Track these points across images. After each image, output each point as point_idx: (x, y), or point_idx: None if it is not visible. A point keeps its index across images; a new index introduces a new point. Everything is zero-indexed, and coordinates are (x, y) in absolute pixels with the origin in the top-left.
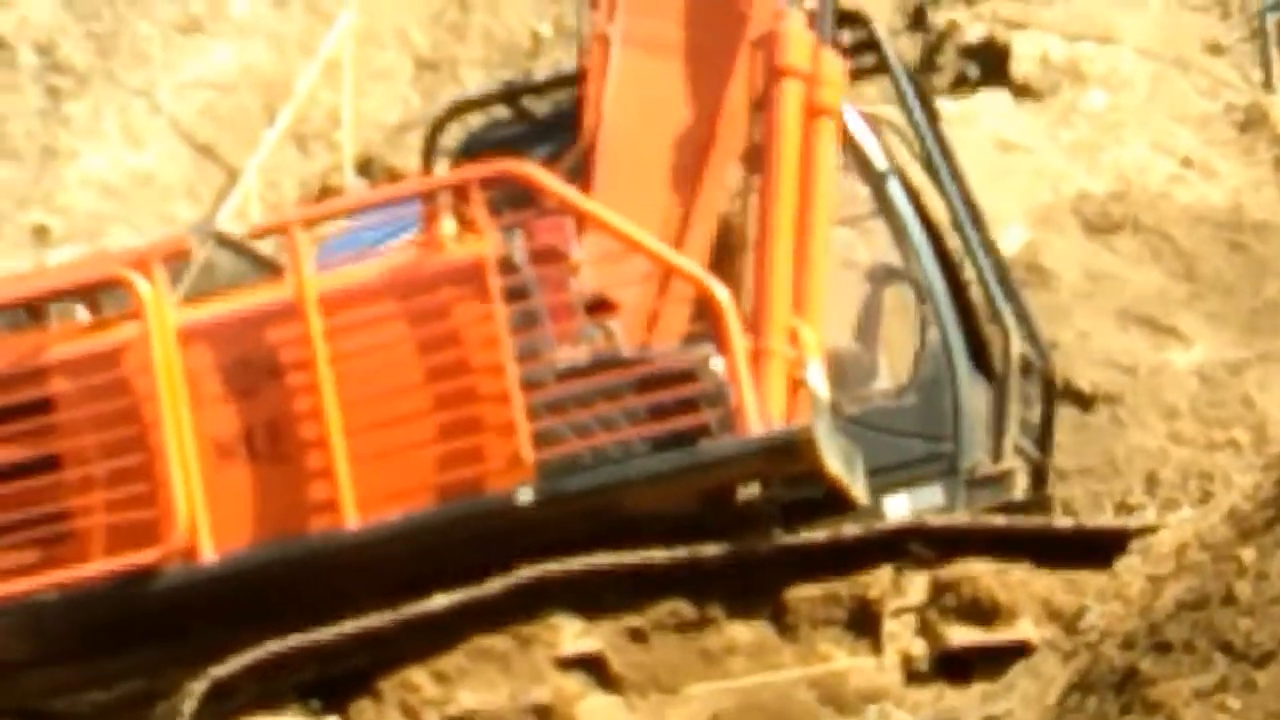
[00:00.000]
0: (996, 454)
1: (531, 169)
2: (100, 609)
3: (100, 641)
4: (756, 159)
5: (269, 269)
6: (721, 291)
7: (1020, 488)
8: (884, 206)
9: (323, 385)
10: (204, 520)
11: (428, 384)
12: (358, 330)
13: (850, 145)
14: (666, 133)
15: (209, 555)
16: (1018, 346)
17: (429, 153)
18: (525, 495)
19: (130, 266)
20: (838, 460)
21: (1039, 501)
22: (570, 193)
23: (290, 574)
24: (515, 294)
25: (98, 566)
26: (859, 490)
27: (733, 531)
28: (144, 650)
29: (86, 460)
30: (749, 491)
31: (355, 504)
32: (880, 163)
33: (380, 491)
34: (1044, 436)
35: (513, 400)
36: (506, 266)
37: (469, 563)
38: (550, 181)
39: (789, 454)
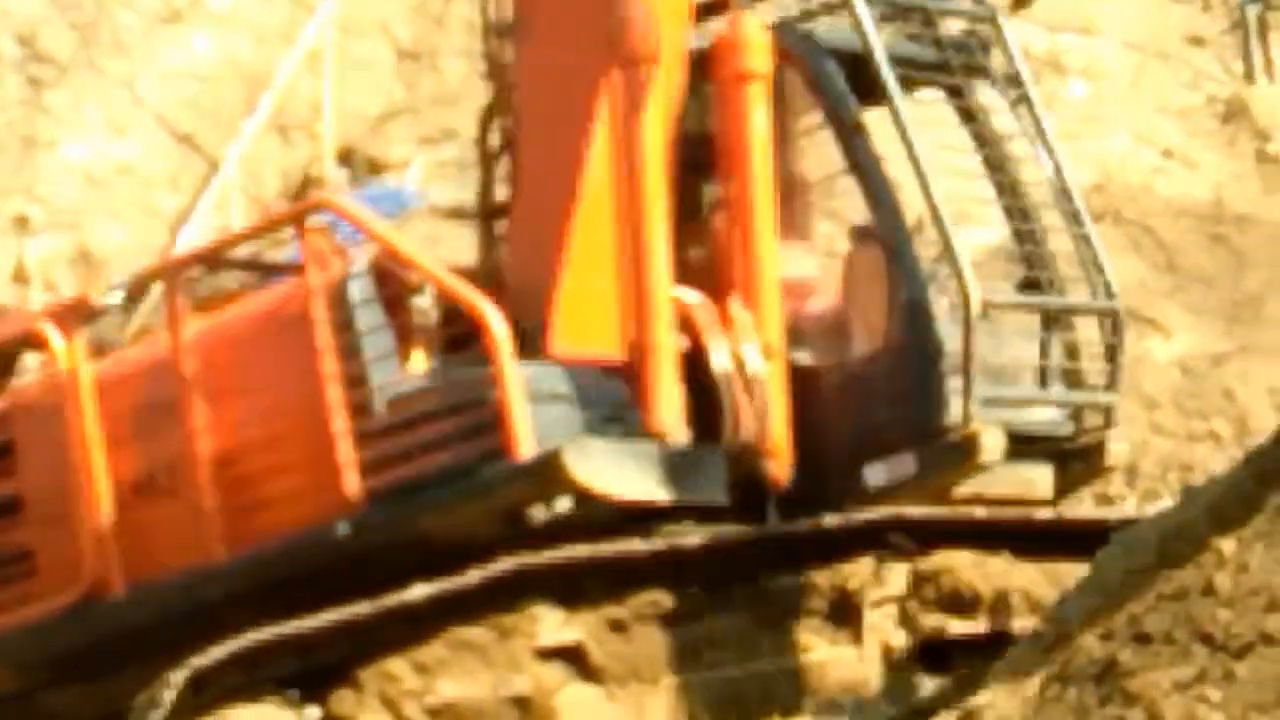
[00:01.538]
0: (964, 417)
1: (341, 200)
2: (52, 642)
3: (66, 670)
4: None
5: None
6: (491, 312)
7: (991, 450)
8: (853, 163)
9: (193, 424)
10: (115, 558)
11: (275, 418)
12: (220, 369)
13: (824, 100)
14: (574, 133)
15: (118, 591)
16: (976, 296)
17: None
18: (343, 528)
19: (50, 320)
20: (617, 474)
21: (1094, 448)
22: (370, 220)
23: (180, 606)
24: (342, 324)
25: (40, 605)
26: (665, 495)
27: (525, 549)
28: (99, 677)
29: (37, 500)
30: (546, 510)
31: (225, 538)
32: (850, 117)
33: (244, 527)
34: (1112, 375)
35: (335, 432)
36: (335, 297)
37: (320, 594)
38: (355, 210)
39: (547, 476)
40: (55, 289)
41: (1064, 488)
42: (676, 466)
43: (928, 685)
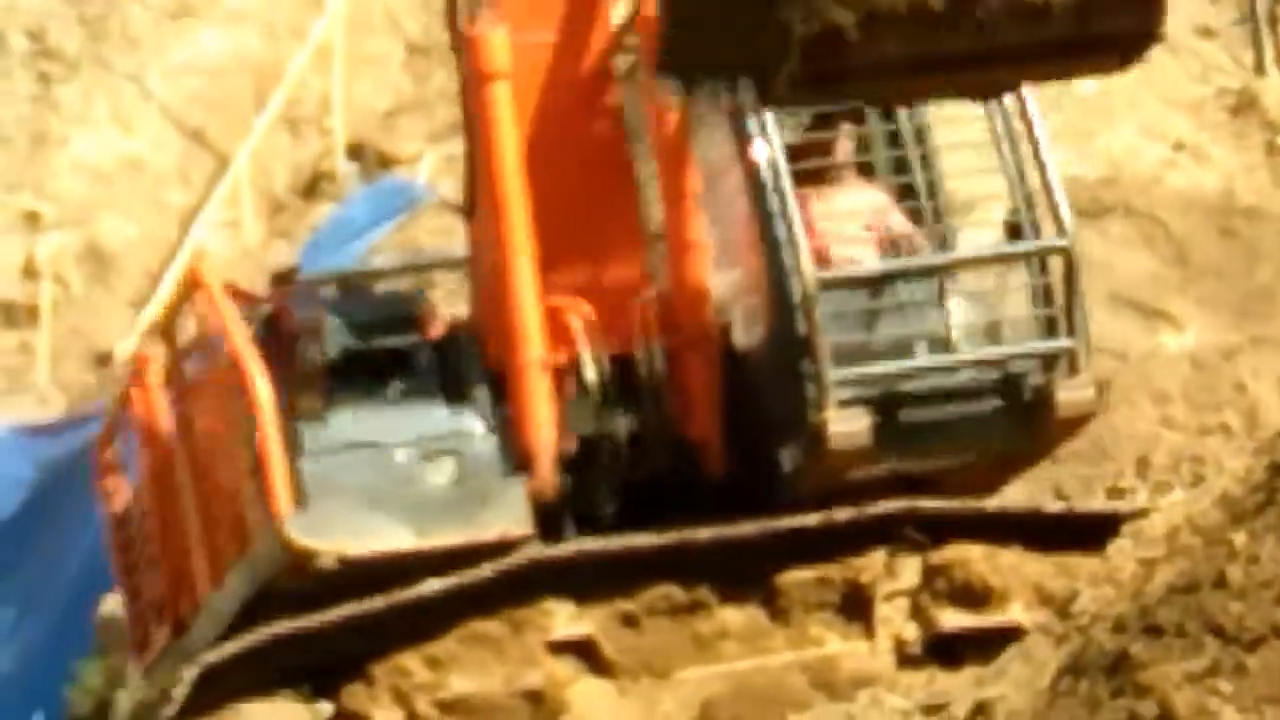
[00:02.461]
0: (818, 404)
1: (207, 270)
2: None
3: None
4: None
5: None
6: (255, 374)
7: (846, 438)
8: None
9: (194, 475)
10: (188, 592)
11: (214, 468)
12: (197, 419)
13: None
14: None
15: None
16: (811, 276)
17: None
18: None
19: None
20: (357, 530)
21: (1046, 399)
22: (215, 288)
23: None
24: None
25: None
26: (430, 539)
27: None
28: None
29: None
30: (335, 559)
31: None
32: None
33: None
34: (1071, 319)
35: (237, 476)
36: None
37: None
38: (210, 278)
39: (278, 541)
40: (66, 285)
41: (1038, 443)
42: (461, 504)
43: (940, 678)
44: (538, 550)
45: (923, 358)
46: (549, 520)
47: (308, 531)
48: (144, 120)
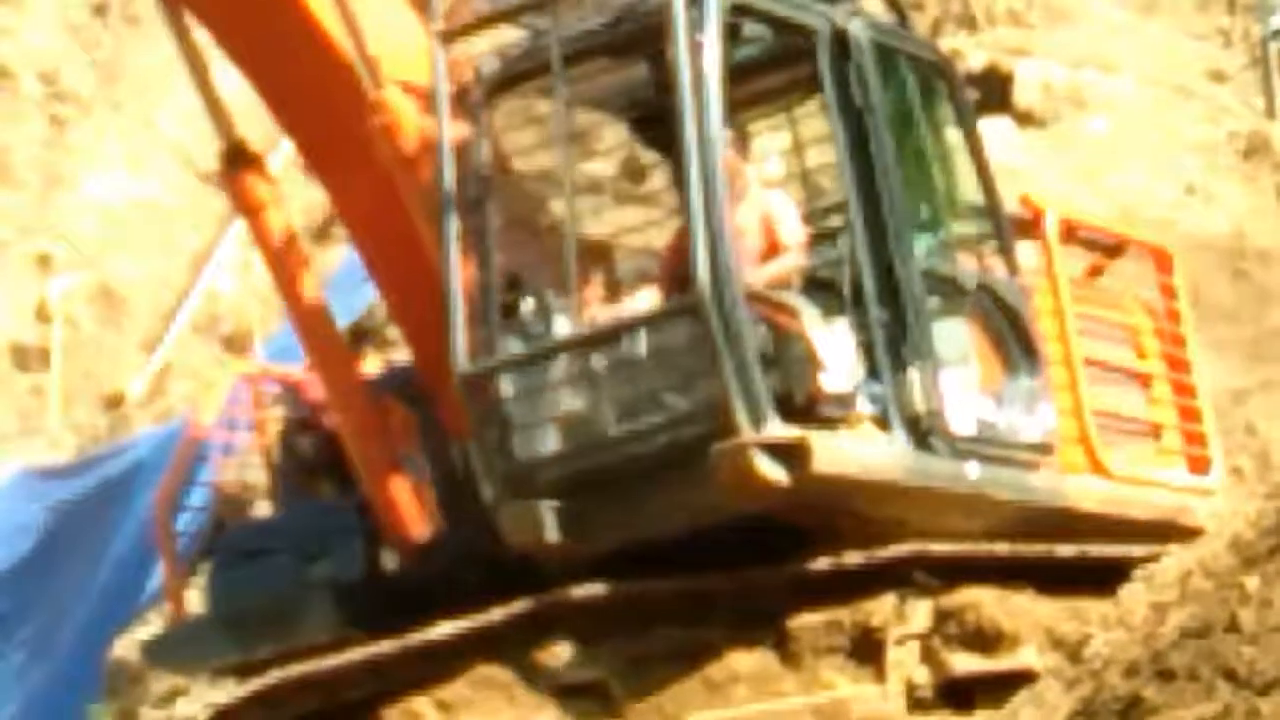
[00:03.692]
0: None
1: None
2: None
3: None
4: None
5: None
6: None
7: (522, 531)
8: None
9: None
10: None
11: None
12: None
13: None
14: None
15: None
16: (460, 368)
17: None
18: None
19: None
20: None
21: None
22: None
23: None
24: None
25: None
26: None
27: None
28: None
29: None
30: None
31: None
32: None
33: None
34: (721, 376)
35: None
36: None
37: None
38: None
39: None
40: (77, 327)
41: (725, 502)
42: (279, 615)
43: None
44: (548, 594)
45: (572, 435)
46: (417, 603)
47: (159, 653)
48: (156, 162)
